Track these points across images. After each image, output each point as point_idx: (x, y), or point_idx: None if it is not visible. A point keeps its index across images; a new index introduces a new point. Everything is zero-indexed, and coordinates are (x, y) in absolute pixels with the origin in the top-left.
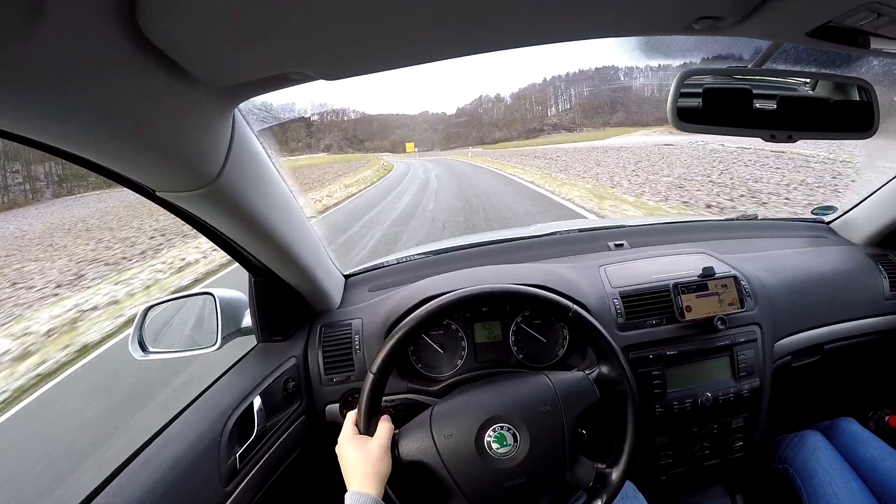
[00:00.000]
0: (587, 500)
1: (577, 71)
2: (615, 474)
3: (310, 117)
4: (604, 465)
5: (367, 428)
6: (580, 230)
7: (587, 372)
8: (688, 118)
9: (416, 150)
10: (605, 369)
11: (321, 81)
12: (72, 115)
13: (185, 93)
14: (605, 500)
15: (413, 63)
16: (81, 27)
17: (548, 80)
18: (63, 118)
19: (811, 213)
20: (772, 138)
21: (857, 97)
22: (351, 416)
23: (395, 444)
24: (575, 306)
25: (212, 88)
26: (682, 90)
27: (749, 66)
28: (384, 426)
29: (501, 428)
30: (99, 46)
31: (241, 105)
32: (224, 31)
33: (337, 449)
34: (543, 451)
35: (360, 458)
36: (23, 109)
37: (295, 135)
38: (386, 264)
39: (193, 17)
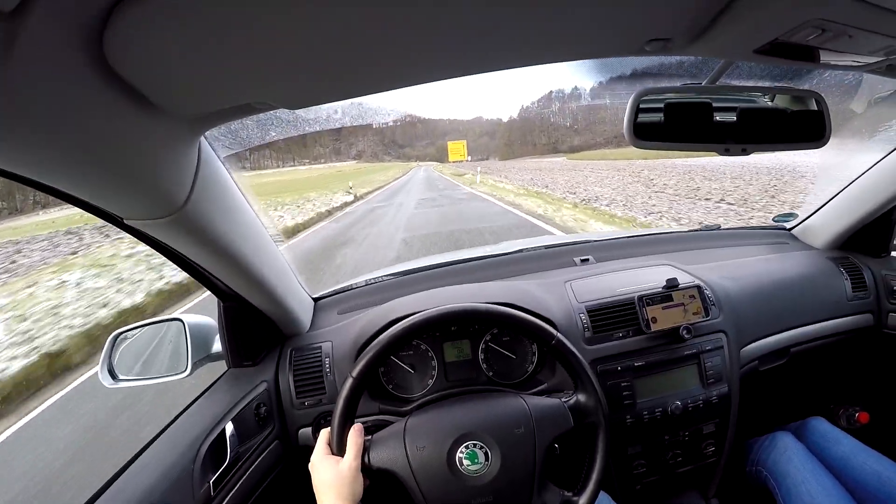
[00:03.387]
0: None
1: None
2: (581, 502)
3: (340, 119)
4: (570, 493)
5: (340, 441)
6: (546, 246)
7: (563, 399)
8: (646, 135)
9: (469, 158)
10: (581, 398)
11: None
12: (38, 143)
13: (150, 122)
14: None
15: (375, 91)
16: (50, 58)
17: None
18: (28, 146)
19: (773, 220)
20: (726, 152)
21: (813, 107)
22: (324, 434)
23: (366, 450)
24: (558, 334)
25: (176, 117)
26: (642, 107)
27: (703, 84)
28: (355, 442)
29: (474, 445)
30: (66, 76)
31: (207, 132)
32: (186, 62)
33: (310, 467)
34: (513, 473)
35: (333, 478)
36: None
37: (319, 140)
38: (355, 286)
39: (157, 49)
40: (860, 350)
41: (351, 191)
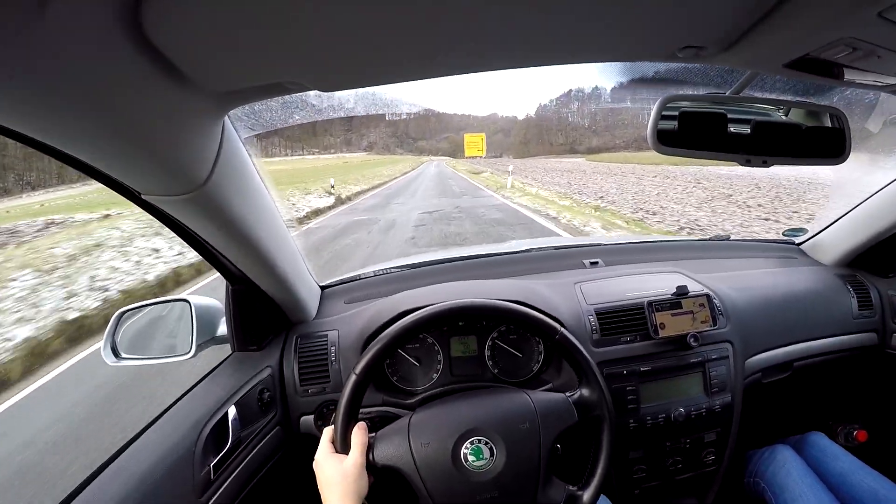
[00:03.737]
0: None
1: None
2: (586, 496)
3: (353, 108)
4: (575, 488)
5: (344, 439)
6: (555, 247)
7: (568, 394)
8: (666, 141)
9: (485, 155)
10: (585, 392)
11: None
12: (65, 111)
13: (179, 96)
14: None
15: (408, 79)
16: (84, 22)
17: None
18: (55, 114)
19: (782, 234)
20: (747, 162)
21: (829, 124)
22: (327, 432)
23: (370, 447)
24: (562, 329)
25: (206, 93)
26: (665, 113)
27: (727, 94)
28: (359, 440)
29: (479, 441)
30: (99, 43)
31: (231, 112)
32: (224, 36)
33: (314, 465)
34: (518, 468)
35: (338, 477)
36: (16, 102)
37: (329, 129)
38: (362, 276)
39: (195, 21)
40: (862, 368)
41: (332, 191)
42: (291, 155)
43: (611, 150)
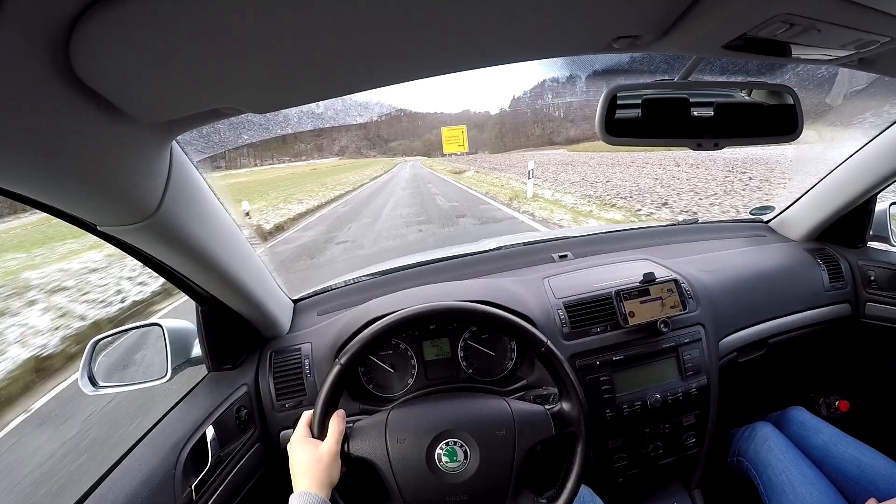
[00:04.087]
0: None
1: None
2: None
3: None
4: (545, 500)
5: (322, 425)
6: (525, 243)
7: (547, 407)
8: (617, 131)
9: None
10: (566, 407)
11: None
12: (5, 152)
13: (119, 129)
14: None
15: (342, 93)
16: (15, 68)
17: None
18: None
19: (749, 213)
20: (698, 146)
21: (787, 100)
22: (305, 416)
23: (346, 437)
24: (548, 342)
25: (146, 124)
26: (619, 104)
27: (675, 80)
28: (336, 428)
29: (455, 443)
30: (32, 85)
31: (179, 137)
32: (153, 70)
33: (288, 447)
34: (490, 475)
35: (311, 462)
36: None
37: (299, 136)
38: (334, 287)
39: (124, 58)
40: (839, 339)
41: (248, 220)
42: (261, 165)
43: (589, 139)
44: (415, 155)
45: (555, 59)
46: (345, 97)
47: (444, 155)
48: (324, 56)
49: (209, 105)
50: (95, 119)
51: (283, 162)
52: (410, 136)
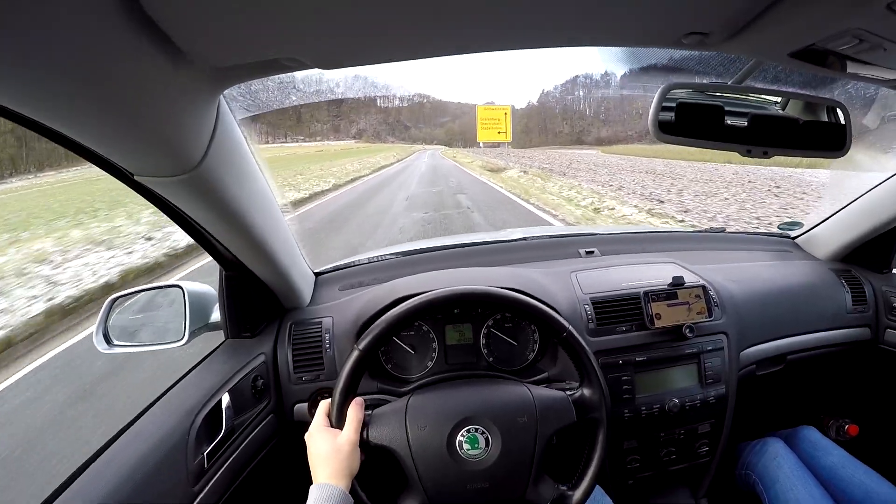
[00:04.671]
0: None
1: None
2: (576, 497)
3: (342, 96)
4: (566, 487)
5: (341, 414)
6: (550, 237)
7: (568, 393)
8: (667, 130)
9: (481, 144)
10: (587, 393)
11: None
12: (56, 87)
13: (174, 71)
14: None
15: (410, 57)
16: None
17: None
18: (45, 89)
19: (777, 228)
20: (748, 153)
21: (826, 118)
22: (323, 405)
23: (365, 425)
24: (570, 327)
25: (202, 69)
26: (665, 104)
27: (729, 83)
28: (355, 416)
29: (476, 430)
30: (93, 13)
31: (227, 91)
32: (222, 8)
33: (306, 437)
34: (512, 462)
35: (331, 452)
36: (4, 76)
37: (316, 115)
38: (356, 263)
39: None
40: (855, 363)
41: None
42: (273, 143)
43: (622, 141)
44: (435, 143)
45: (590, 51)
46: (367, 80)
47: (466, 145)
48: (399, 15)
49: (271, 54)
50: (153, 57)
51: (297, 141)
52: (431, 123)
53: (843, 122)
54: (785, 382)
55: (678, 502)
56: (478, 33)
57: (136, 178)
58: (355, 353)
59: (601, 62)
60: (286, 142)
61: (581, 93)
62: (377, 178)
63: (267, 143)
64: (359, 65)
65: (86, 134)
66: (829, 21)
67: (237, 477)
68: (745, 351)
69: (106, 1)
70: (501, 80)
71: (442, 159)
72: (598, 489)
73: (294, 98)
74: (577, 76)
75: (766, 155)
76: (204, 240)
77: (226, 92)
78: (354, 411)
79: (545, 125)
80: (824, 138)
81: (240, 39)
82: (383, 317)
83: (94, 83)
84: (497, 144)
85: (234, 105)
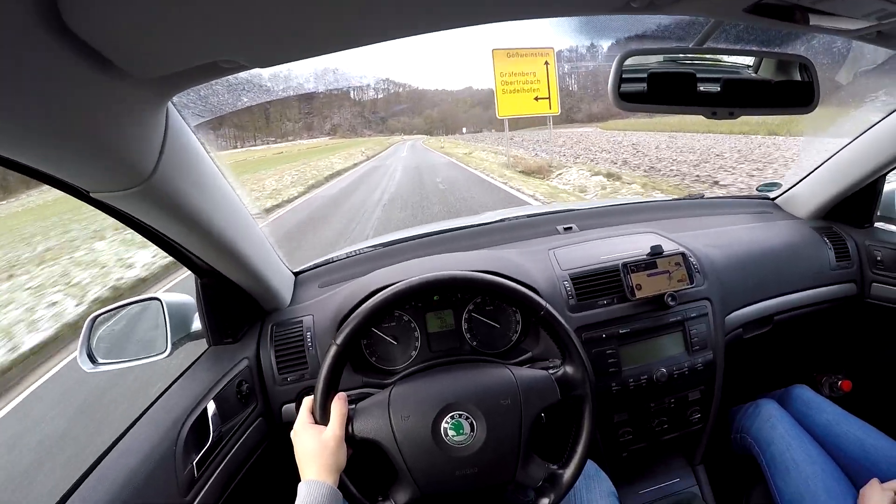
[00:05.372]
0: (535, 498)
1: None
2: (566, 475)
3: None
4: (556, 466)
5: (324, 410)
6: (528, 216)
7: (550, 371)
8: (631, 98)
9: (465, 130)
10: (569, 370)
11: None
12: None
13: (113, 86)
14: (552, 499)
15: (347, 46)
16: (1, 18)
17: None
18: None
19: (756, 189)
20: (713, 115)
21: (797, 76)
22: (307, 402)
23: (350, 420)
24: (547, 305)
25: (141, 81)
26: (625, 74)
27: (690, 45)
28: (339, 411)
29: (460, 416)
30: (19, 38)
31: (176, 99)
32: (145, 17)
33: (292, 435)
34: (498, 445)
35: (316, 448)
36: None
37: (286, 113)
38: (335, 259)
39: (116, 6)
40: (843, 319)
41: None
42: (241, 146)
43: (615, 116)
44: (415, 133)
45: (572, 23)
46: (338, 72)
47: (448, 133)
48: (329, 3)
49: (206, 57)
50: (86, 73)
51: (268, 143)
52: (410, 112)
53: (811, 78)
54: (774, 343)
55: (675, 471)
56: (419, 12)
57: (92, 195)
58: (333, 348)
59: (586, 35)
60: (255, 145)
61: (566, 67)
62: (306, 204)
63: (234, 147)
64: (295, 59)
65: (32, 156)
66: None
67: (230, 482)
68: (730, 315)
69: (26, 19)
70: (480, 61)
71: (427, 153)
72: (592, 464)
73: (246, 99)
74: (560, 51)
75: (731, 115)
76: (174, 250)
77: (175, 99)
78: (338, 406)
79: None
80: (792, 95)
81: (167, 47)
82: (359, 310)
83: (29, 103)
84: (479, 130)
85: (186, 112)
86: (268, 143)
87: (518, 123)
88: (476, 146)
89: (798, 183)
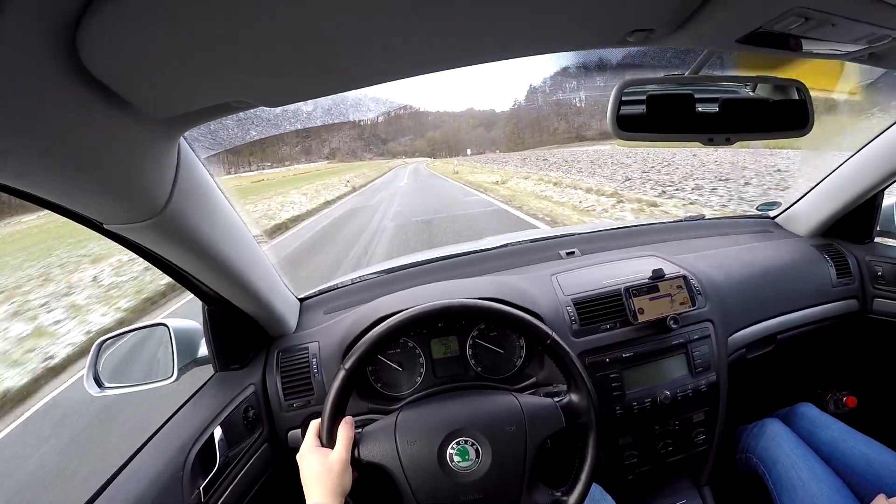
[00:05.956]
0: None
1: None
2: (570, 502)
3: (311, 116)
4: (560, 493)
5: (331, 433)
6: (531, 241)
7: (556, 399)
8: (629, 126)
9: (470, 151)
10: (574, 398)
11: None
12: (10, 146)
13: (127, 124)
14: None
15: (353, 87)
16: (21, 57)
17: None
18: (2, 152)
19: (756, 209)
20: (710, 142)
21: (794, 95)
22: (313, 426)
23: (356, 443)
24: (553, 334)
25: (155, 119)
26: (624, 100)
27: (686, 74)
28: (346, 435)
29: (465, 442)
30: (39, 77)
31: (187, 133)
32: (163, 62)
33: (298, 458)
34: (504, 471)
35: (322, 471)
36: None
37: (284, 137)
38: (340, 285)
39: (133, 49)
40: (846, 335)
41: None
42: (237, 172)
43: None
44: (417, 156)
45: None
46: (338, 97)
47: (451, 154)
48: (337, 48)
49: (219, 98)
50: (103, 113)
51: (264, 168)
52: (412, 133)
53: (804, 99)
54: (777, 362)
55: (681, 493)
56: (418, 56)
57: (105, 227)
58: (341, 373)
59: (595, 54)
60: (249, 169)
61: (573, 83)
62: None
63: (229, 173)
64: (304, 99)
65: (49, 190)
66: (769, 4)
67: None
68: (733, 336)
69: (46, 61)
70: (481, 83)
71: (433, 178)
72: (598, 488)
73: (254, 133)
74: (566, 67)
75: (728, 142)
76: (182, 278)
77: (186, 133)
78: (345, 430)
79: (539, 124)
80: (788, 118)
81: (183, 89)
82: (366, 336)
83: (48, 140)
84: (482, 152)
85: (197, 145)
86: (262, 169)
87: (524, 143)
88: (505, 170)
89: (797, 201)
